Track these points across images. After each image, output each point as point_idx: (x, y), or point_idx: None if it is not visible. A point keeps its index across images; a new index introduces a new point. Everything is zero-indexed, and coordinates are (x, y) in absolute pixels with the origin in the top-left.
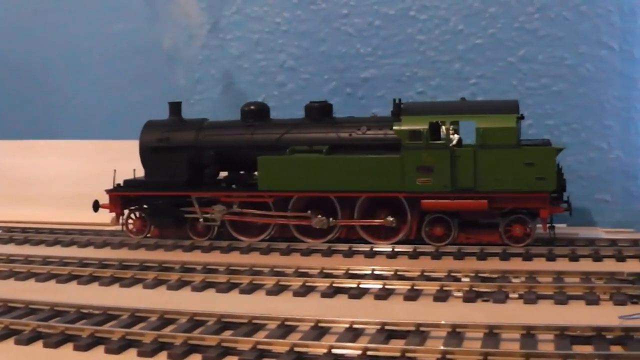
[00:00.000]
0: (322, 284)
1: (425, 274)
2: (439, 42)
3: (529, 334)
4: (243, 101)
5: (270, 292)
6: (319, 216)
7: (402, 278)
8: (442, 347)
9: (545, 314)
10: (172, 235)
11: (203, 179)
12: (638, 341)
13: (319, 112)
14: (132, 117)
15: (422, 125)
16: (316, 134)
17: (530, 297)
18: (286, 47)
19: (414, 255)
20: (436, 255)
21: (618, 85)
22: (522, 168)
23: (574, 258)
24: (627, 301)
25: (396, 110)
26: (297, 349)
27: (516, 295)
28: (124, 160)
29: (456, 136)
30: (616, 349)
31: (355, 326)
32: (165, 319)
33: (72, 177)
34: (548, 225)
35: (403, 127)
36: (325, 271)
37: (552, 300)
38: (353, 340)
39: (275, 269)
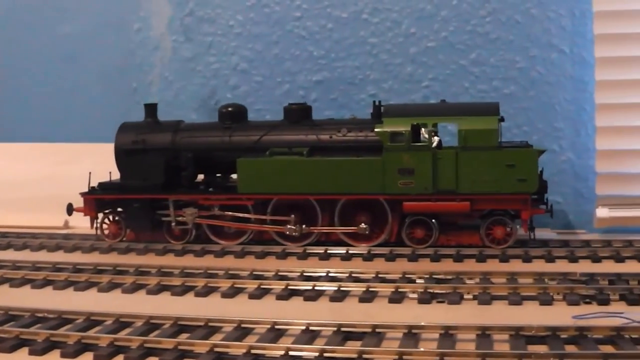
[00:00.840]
0: (278, 286)
1: (380, 275)
2: (392, 45)
3: (484, 334)
4: (196, 104)
5: (225, 295)
6: (290, 225)
7: (357, 280)
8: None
9: (500, 314)
10: (149, 239)
11: (180, 182)
12: (591, 340)
13: (298, 114)
14: (82, 120)
15: (403, 127)
16: (296, 136)
17: (485, 298)
18: (239, 50)
19: (368, 258)
20: (390, 257)
21: (569, 88)
22: (503, 170)
23: (527, 259)
24: (580, 301)
25: (376, 112)
26: (254, 351)
27: (471, 297)
28: (72, 164)
29: (436, 138)
30: (570, 349)
31: (311, 328)
32: (121, 323)
33: (21, 180)
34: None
35: (385, 129)
36: (280, 273)
37: (506, 300)
38: (310, 342)
39: (230, 272)
